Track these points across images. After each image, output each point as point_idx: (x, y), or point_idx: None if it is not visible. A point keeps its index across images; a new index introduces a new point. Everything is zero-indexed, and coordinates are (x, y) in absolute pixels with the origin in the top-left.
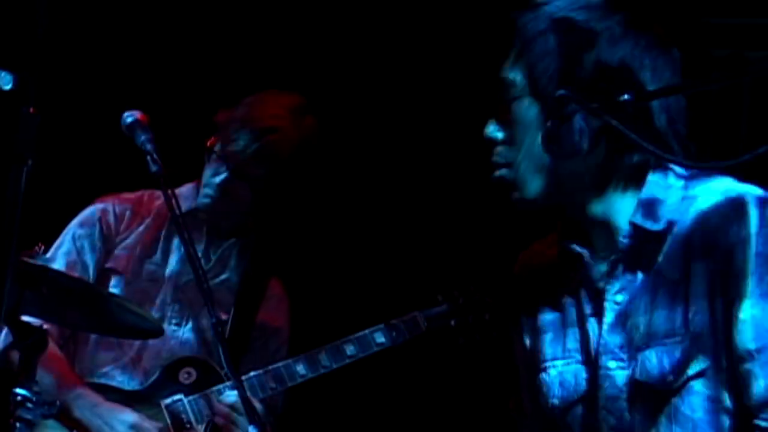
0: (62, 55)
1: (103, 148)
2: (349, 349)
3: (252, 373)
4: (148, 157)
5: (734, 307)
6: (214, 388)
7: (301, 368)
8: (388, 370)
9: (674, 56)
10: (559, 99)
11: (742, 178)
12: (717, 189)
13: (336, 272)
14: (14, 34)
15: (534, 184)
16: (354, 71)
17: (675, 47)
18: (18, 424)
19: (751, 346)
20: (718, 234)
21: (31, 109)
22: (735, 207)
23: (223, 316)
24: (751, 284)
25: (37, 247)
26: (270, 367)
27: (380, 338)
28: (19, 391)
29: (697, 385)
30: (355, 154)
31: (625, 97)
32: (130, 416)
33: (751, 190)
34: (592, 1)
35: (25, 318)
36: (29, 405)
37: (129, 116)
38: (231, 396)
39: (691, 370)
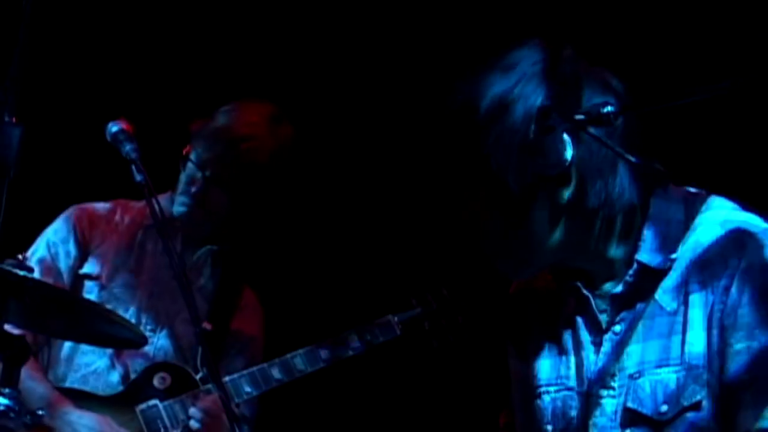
0: (44, 64)
1: (84, 156)
2: (324, 353)
3: (227, 378)
4: (133, 167)
5: (730, 336)
6: (189, 393)
7: (276, 372)
8: (363, 373)
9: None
10: (541, 110)
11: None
12: (716, 220)
13: (309, 277)
14: None
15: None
16: (328, 79)
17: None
18: None
19: (745, 376)
20: (717, 267)
21: (14, 119)
22: (734, 240)
23: (207, 326)
24: (746, 315)
25: (20, 256)
26: (245, 372)
27: (355, 342)
28: (1, 401)
29: (692, 417)
30: (325, 159)
31: (609, 108)
32: (97, 423)
33: (750, 220)
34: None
35: (7, 327)
36: (11, 415)
37: (114, 125)
38: (206, 401)
39: (686, 401)
